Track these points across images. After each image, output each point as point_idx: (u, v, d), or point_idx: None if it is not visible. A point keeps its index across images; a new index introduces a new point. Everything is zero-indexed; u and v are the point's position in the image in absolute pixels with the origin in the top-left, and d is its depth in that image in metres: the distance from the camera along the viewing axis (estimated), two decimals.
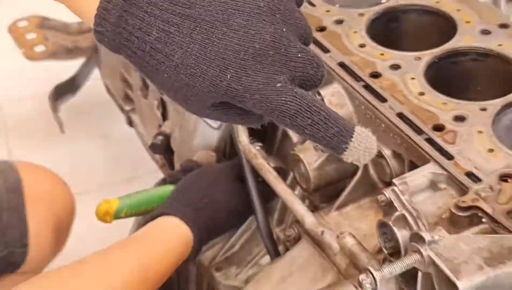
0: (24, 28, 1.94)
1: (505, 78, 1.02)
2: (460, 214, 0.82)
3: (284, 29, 0.71)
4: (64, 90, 1.99)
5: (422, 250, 0.73)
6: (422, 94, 0.99)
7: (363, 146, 0.72)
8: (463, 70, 1.07)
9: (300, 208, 1.02)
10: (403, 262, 0.75)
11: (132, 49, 0.71)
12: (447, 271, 0.70)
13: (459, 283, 0.69)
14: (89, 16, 0.71)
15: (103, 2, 0.70)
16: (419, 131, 0.94)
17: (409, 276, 0.79)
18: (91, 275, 0.99)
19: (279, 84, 0.70)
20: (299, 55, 0.72)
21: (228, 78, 0.70)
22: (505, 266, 0.71)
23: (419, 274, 0.77)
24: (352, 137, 0.71)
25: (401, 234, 0.80)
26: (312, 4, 1.16)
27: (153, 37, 0.70)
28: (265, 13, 0.71)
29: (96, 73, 1.95)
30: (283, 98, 0.70)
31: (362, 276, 0.75)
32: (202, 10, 0.69)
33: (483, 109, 0.95)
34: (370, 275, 0.75)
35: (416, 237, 0.75)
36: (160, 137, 1.41)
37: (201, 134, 1.28)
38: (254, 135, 1.16)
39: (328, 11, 1.15)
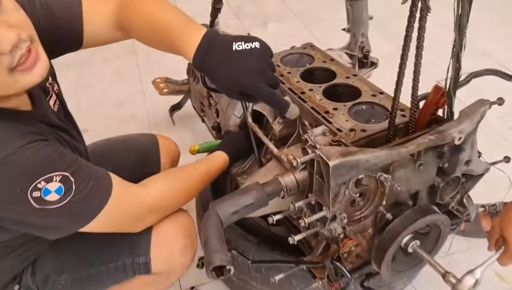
0: (158, 82, 1.99)
1: (353, 94, 1.06)
2: (333, 144, 0.86)
3: (264, 65, 0.75)
4: (175, 107, 2.03)
5: (316, 151, 0.79)
6: (321, 100, 1.04)
7: (293, 110, 0.77)
8: (338, 91, 1.10)
9: (272, 147, 1.05)
10: (309, 155, 0.80)
11: (206, 70, 0.75)
12: (325, 158, 0.77)
13: (330, 162, 0.75)
14: (190, 58, 0.75)
15: (195, 53, 0.74)
16: (318, 113, 0.99)
17: (312, 163, 0.83)
18: (186, 167, 1.01)
19: (262, 85, 0.74)
20: (270, 75, 0.75)
21: (241, 81, 0.73)
22: (346, 157, 0.76)
23: (315, 161, 0.81)
24: (289, 106, 0.76)
25: (310, 151, 0.83)
26: (278, 66, 1.20)
27: (216, 65, 0.73)
28: (256, 58, 0.74)
29: (188, 101, 1.96)
30: (263, 90, 0.74)
31: (292, 161, 0.80)
32: (232, 56, 0.73)
33: (345, 105, 1.01)
34: (296, 160, 0.80)
35: (314, 148, 0.81)
36: (215, 124, 1.43)
37: (232, 120, 1.29)
38: (255, 120, 1.17)
39: (285, 68, 1.19)
